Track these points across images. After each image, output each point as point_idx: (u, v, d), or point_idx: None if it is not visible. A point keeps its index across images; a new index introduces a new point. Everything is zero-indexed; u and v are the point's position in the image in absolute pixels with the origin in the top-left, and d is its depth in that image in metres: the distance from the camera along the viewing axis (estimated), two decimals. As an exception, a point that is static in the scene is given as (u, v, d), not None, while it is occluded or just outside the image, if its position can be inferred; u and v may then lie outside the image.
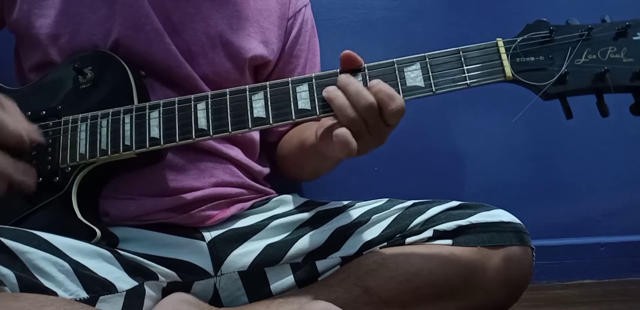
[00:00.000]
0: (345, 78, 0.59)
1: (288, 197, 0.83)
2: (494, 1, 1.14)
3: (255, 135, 0.83)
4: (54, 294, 0.53)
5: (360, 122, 0.57)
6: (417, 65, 0.60)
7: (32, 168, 0.61)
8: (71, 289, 0.55)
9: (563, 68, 0.58)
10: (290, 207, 0.79)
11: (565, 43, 0.59)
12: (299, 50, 0.85)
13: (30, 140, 0.60)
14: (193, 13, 0.73)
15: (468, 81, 0.59)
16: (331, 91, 0.59)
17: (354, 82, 0.58)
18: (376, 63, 0.61)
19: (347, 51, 0.60)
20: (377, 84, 0.57)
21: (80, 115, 0.66)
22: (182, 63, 0.72)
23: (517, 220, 0.70)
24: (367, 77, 0.60)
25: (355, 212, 0.74)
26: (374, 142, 0.59)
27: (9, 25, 0.75)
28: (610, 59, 0.57)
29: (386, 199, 0.76)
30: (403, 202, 0.73)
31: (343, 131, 0.56)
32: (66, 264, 0.56)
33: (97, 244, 0.63)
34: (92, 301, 0.57)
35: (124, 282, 0.61)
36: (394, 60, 0.61)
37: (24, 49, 0.76)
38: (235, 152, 0.78)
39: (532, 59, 0.59)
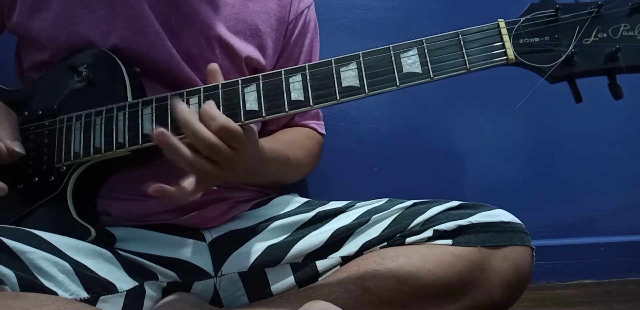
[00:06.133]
0: (181, 113, 0.57)
1: (288, 197, 0.83)
2: (494, 1, 1.14)
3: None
4: (55, 294, 0.53)
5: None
6: (414, 51, 0.58)
7: None
8: (71, 289, 0.55)
9: (570, 48, 0.54)
10: (291, 207, 0.79)
11: (572, 22, 0.54)
12: (298, 52, 0.84)
13: (10, 154, 0.62)
14: (191, 15, 0.72)
15: (467, 65, 0.55)
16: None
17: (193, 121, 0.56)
18: (371, 50, 0.59)
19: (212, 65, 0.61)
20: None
21: (74, 114, 0.66)
22: (184, 66, 0.71)
23: (517, 220, 0.70)
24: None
25: (355, 212, 0.74)
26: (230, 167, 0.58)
27: (9, 28, 0.75)
28: (623, 36, 0.53)
29: (386, 199, 0.76)
30: (403, 202, 0.73)
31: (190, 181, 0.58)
32: (66, 264, 0.56)
33: (97, 243, 0.63)
34: (92, 301, 0.57)
35: (124, 282, 0.62)
36: (390, 46, 0.58)
37: (25, 50, 0.76)
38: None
39: (537, 39, 0.55)
